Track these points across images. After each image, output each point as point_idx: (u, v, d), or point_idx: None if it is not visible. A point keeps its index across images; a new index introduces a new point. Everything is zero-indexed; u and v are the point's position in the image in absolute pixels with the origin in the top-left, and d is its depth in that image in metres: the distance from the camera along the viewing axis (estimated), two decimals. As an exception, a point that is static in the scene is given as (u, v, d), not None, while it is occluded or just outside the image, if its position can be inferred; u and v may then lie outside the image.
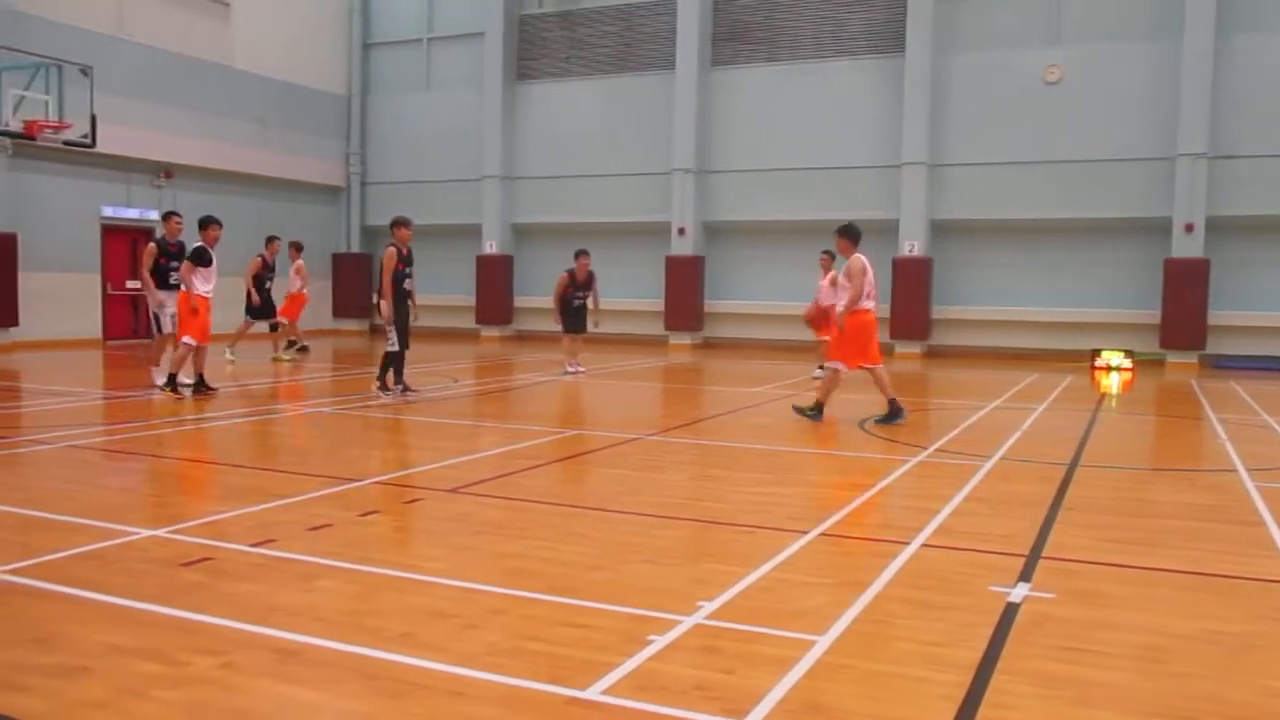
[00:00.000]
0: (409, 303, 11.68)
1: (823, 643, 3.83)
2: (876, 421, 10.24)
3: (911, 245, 20.99)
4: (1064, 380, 15.72)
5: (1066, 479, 7.38)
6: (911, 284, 20.92)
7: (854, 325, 10.12)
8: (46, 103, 16.97)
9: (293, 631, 3.88)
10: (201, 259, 11.33)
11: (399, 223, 11.63)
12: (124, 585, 4.46)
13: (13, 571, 4.63)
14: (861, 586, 4.57)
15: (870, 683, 3.49)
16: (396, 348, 11.54)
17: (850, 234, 10.32)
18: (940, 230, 21.34)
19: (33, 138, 16.89)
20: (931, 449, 8.72)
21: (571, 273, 15.01)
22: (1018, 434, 9.70)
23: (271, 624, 3.96)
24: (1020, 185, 20.41)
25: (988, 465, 7.87)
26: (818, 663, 3.64)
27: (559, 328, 15.27)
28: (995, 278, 21.05)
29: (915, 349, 21.08)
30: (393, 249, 11.53)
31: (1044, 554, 5.22)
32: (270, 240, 16.40)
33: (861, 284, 9.95)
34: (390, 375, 11.62)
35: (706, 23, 22.92)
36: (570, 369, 15.10)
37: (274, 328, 16.74)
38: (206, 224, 11.65)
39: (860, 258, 10.17)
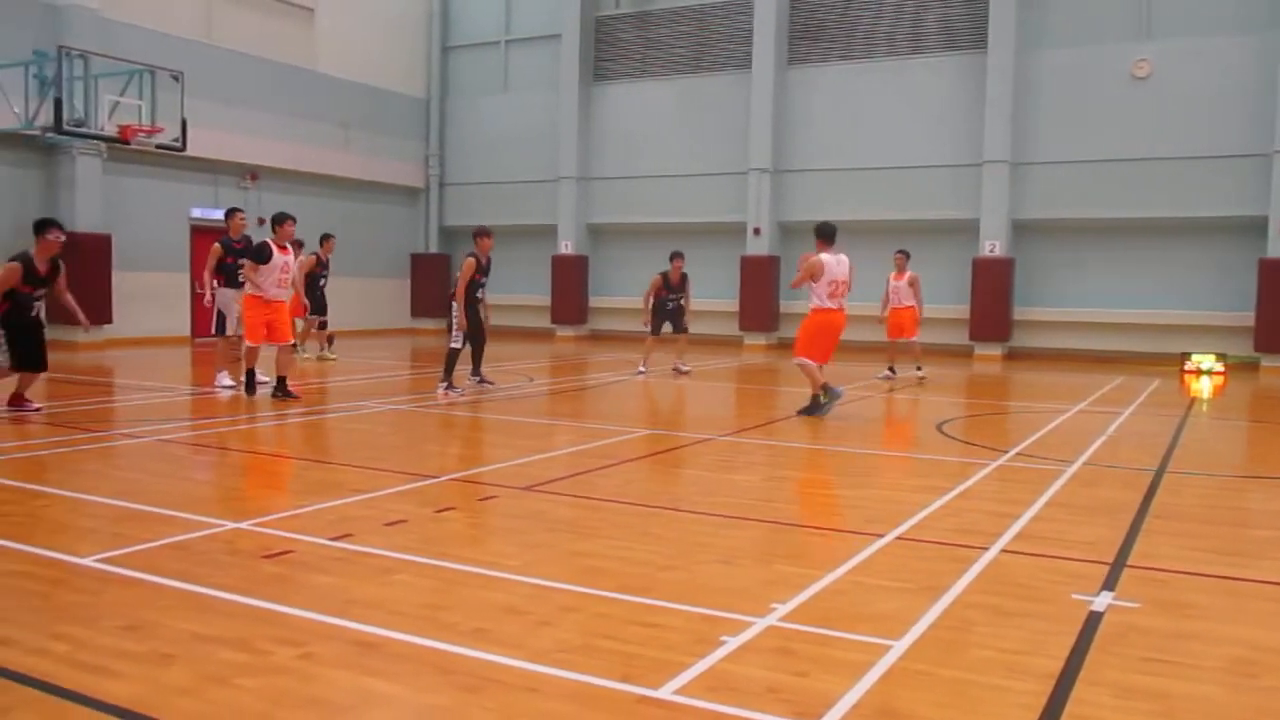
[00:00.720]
0: (479, 308, 12.05)
1: (898, 648, 3.77)
2: (799, 411, 10.50)
3: (992, 245, 20.58)
4: (1151, 384, 15.26)
5: (1154, 485, 7.17)
6: (992, 285, 20.52)
7: (814, 323, 10.31)
8: (139, 108, 17.53)
9: (370, 624, 3.95)
10: (260, 256, 11.00)
11: (481, 233, 11.97)
12: (209, 575, 4.58)
13: (106, 560, 4.79)
14: (938, 592, 4.49)
15: (946, 690, 3.43)
16: (458, 345, 11.84)
17: (821, 233, 10.51)
18: (1022, 230, 20.88)
19: (126, 142, 17.47)
20: (1012, 453, 8.54)
21: (665, 275, 14.94)
22: (1102, 438, 9.45)
23: (350, 616, 4.03)
24: (1107, 183, 19.86)
25: (1071, 470, 7.68)
26: (893, 668, 3.59)
27: (647, 328, 15.15)
28: (1080, 278, 20.52)
29: (996, 350, 20.66)
30: (472, 259, 11.79)
31: (1129, 562, 5.07)
32: (325, 238, 16.50)
33: (811, 274, 10.12)
34: (453, 373, 11.91)
35: (783, 21, 22.76)
36: (679, 368, 15.05)
37: (323, 326, 16.73)
38: (280, 221, 11.50)
39: (823, 257, 10.22)
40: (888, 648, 3.76)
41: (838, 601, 4.37)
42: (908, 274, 15.20)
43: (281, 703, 3.24)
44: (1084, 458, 8.27)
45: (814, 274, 10.22)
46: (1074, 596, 4.47)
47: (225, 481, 7.21)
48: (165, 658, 3.59)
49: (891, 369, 15.25)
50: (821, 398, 10.35)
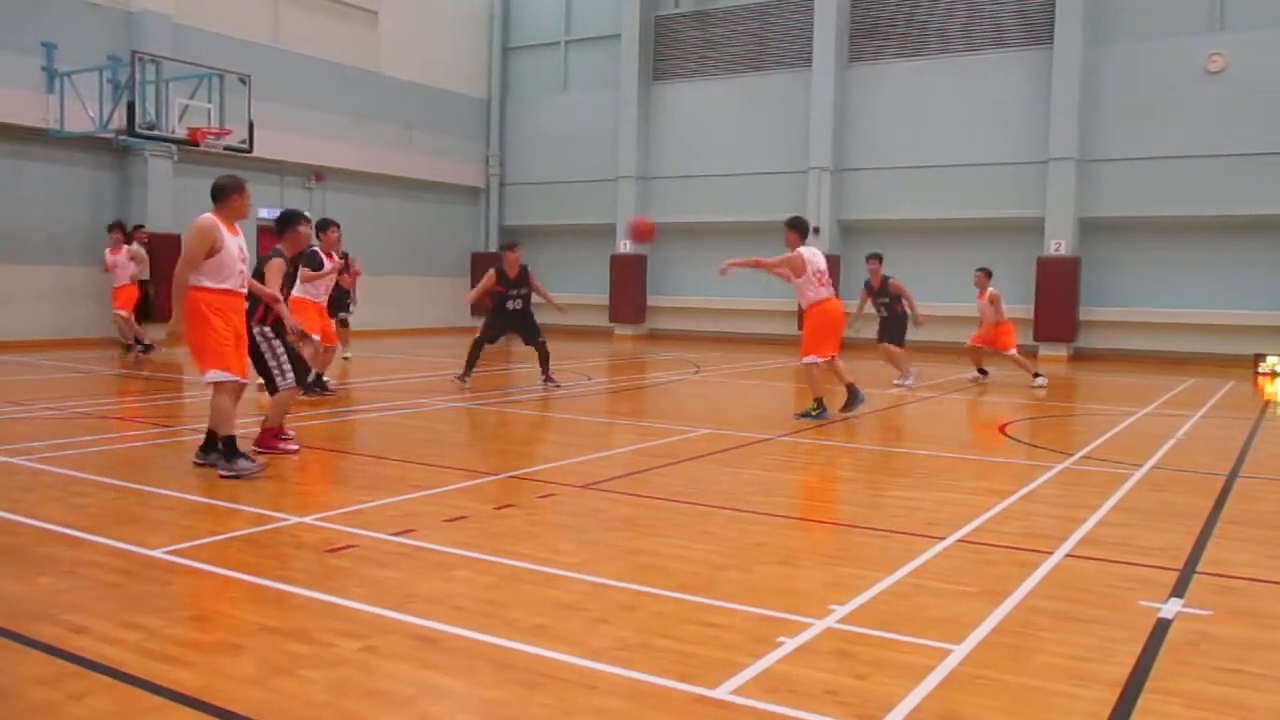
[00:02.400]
0: (516, 315, 12.71)
1: (959, 652, 3.72)
2: (798, 415, 10.43)
3: (1058, 244, 20.19)
4: (1224, 386, 14.86)
5: (1225, 490, 6.98)
6: (1057, 284, 20.12)
7: (817, 315, 10.23)
8: (208, 111, 17.92)
9: (431, 619, 3.99)
10: (314, 264, 10.86)
11: (507, 246, 12.45)
12: (274, 568, 4.67)
13: (175, 552, 4.90)
14: (1002, 596, 4.42)
15: (1009, 696, 3.37)
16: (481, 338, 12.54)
17: (796, 226, 10.40)
18: (1089, 228, 20.45)
19: (196, 144, 17.87)
20: (1078, 455, 8.38)
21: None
22: (1171, 442, 9.22)
23: (410, 611, 4.08)
24: (1177, 180, 19.36)
25: (1138, 474, 7.51)
26: (954, 672, 3.54)
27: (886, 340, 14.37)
28: (1149, 277, 20.03)
29: (1061, 351, 20.26)
30: (493, 271, 12.43)
31: (1200, 569, 4.95)
32: (326, 226, 16.26)
33: (794, 269, 10.08)
34: (470, 367, 12.48)
35: (844, 19, 22.56)
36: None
37: (344, 324, 16.43)
38: (324, 227, 11.30)
39: (801, 251, 10.17)
40: (949, 652, 3.72)
41: (898, 604, 4.32)
42: (989, 292, 14.78)
43: (344, 694, 3.29)
44: (1153, 461, 8.08)
45: (796, 269, 10.17)
46: (1142, 603, 4.37)
47: (290, 476, 7.34)
48: (232, 648, 3.67)
49: (982, 370, 15.05)
50: (815, 409, 10.32)
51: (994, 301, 14.66)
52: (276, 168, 21.36)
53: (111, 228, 16.69)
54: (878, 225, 22.55)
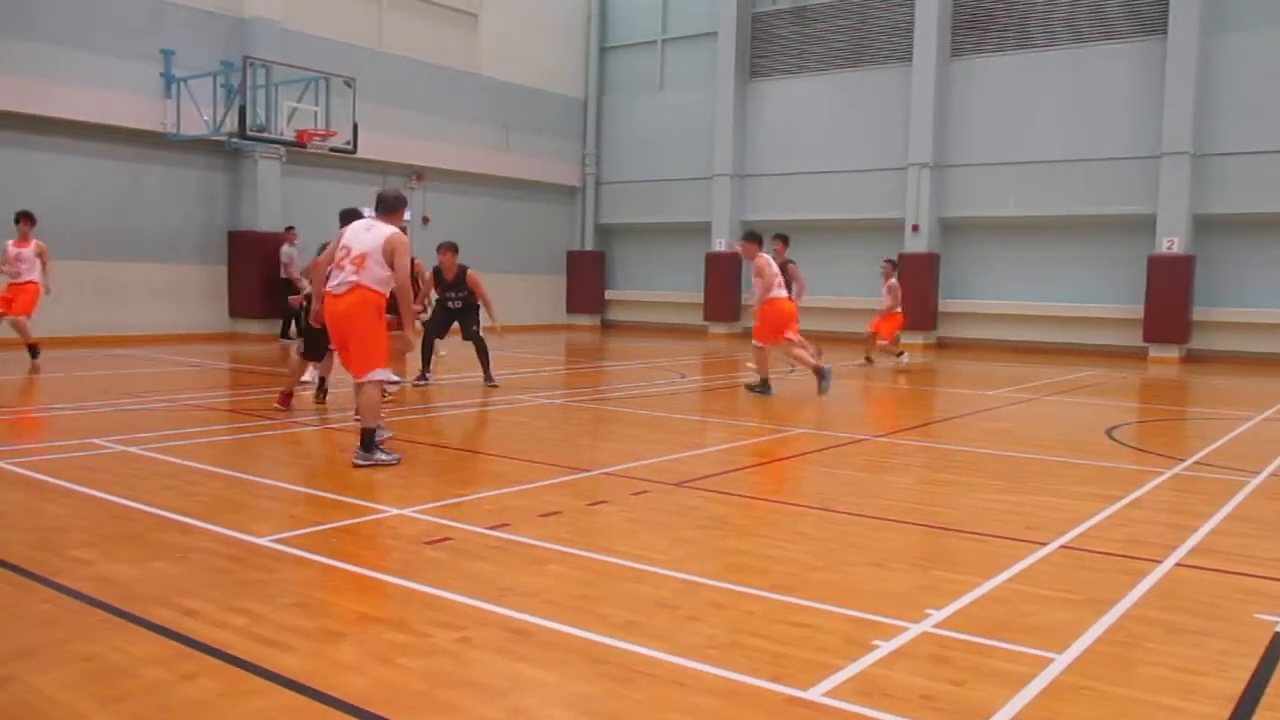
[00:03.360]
0: (449, 308, 12.34)
1: (1061, 661, 3.62)
2: (750, 388, 12.09)
3: (1170, 242, 19.44)
4: (1349, 391, 14.13)
5: (1351, 500, 6.64)
6: (1169, 283, 19.36)
7: (770, 311, 11.81)
8: (315, 113, 18.46)
9: (524, 612, 4.04)
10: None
11: (442, 248, 12.14)
12: (374, 559, 4.79)
13: (280, 540, 5.06)
14: (1106, 605, 4.28)
15: (1113, 708, 3.27)
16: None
17: (753, 238, 12.03)
18: (1204, 225, 19.64)
19: (303, 145, 18.43)
20: (1189, 461, 8.06)
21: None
22: (1292, 448, 8.80)
23: (505, 604, 4.14)
24: (1300, 175, 18.49)
25: (1255, 481, 7.19)
26: (1055, 682, 3.44)
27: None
28: (1268, 276, 19.16)
29: (1173, 353, 19.51)
30: (432, 273, 12.24)
31: (1322, 582, 4.72)
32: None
33: (770, 280, 11.73)
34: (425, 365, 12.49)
35: (946, 13, 22.11)
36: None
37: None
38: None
39: (763, 256, 11.84)
40: (1050, 660, 3.61)
41: (997, 610, 4.22)
42: (891, 282, 16.55)
43: (440, 683, 3.36)
44: (1270, 469, 7.73)
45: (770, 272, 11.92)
46: (1257, 616, 4.19)
47: (390, 469, 7.51)
48: (334, 635, 3.77)
49: (869, 359, 16.83)
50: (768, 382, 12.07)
51: (892, 292, 16.45)
52: (379, 168, 21.88)
53: (19, 218, 13.27)
54: (979, 222, 22.07)
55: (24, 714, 3.08)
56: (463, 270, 12.10)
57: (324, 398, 10.35)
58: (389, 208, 7.46)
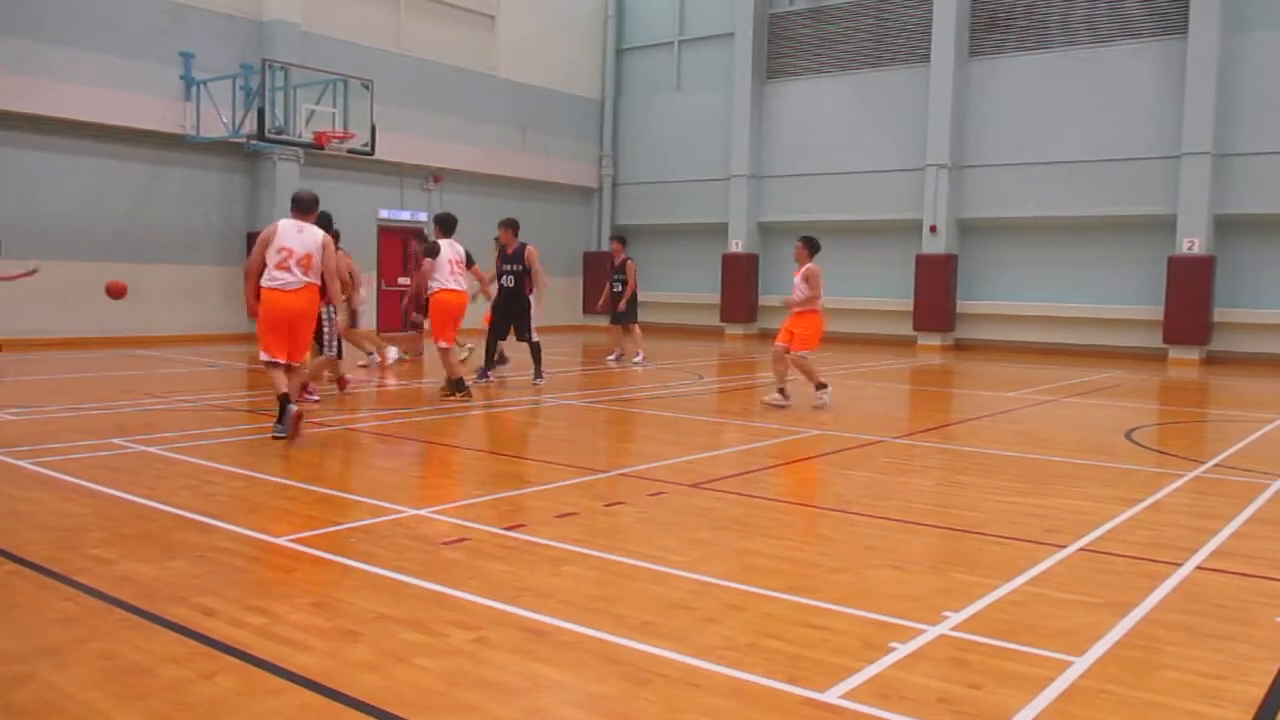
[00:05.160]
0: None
1: (1080, 664, 3.59)
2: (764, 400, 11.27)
3: (1191, 242, 19.29)
4: (1373, 393, 13.98)
5: (1375, 503, 6.57)
6: (1189, 285, 19.22)
7: (816, 321, 11.26)
8: (333, 115, 18.55)
9: (541, 612, 4.05)
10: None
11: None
12: (390, 559, 4.80)
13: (299, 540, 5.08)
14: (1126, 608, 4.25)
15: (1133, 712, 3.24)
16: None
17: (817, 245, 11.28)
18: (1226, 226, 19.49)
19: (321, 147, 18.51)
20: (1210, 464, 8.00)
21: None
22: (1315, 451, 8.72)
23: (521, 604, 4.15)
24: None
25: (1277, 484, 7.12)
26: (1074, 685, 3.42)
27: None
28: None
29: (1193, 355, 19.37)
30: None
31: (1345, 585, 4.67)
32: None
33: (819, 289, 11.08)
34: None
35: (964, 13, 22.02)
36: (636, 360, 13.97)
37: (414, 326, 16.40)
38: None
39: (816, 264, 11.13)
40: (1069, 664, 3.59)
41: (1015, 613, 4.20)
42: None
43: (456, 683, 3.36)
44: (1293, 471, 7.66)
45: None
46: (1279, 619, 4.15)
47: (407, 470, 7.54)
48: (350, 634, 3.78)
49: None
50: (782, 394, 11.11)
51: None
52: (397, 170, 21.97)
53: None
54: (997, 223, 21.97)
55: (45, 711, 3.10)
56: (523, 245, 12.79)
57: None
58: (309, 208, 8.47)
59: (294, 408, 8.07)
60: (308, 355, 8.89)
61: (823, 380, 11.32)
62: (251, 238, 19.60)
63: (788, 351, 11.17)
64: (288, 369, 8.28)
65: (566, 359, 17.40)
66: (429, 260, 11.34)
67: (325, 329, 10.21)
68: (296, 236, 8.20)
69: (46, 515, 5.57)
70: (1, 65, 15.85)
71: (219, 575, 4.53)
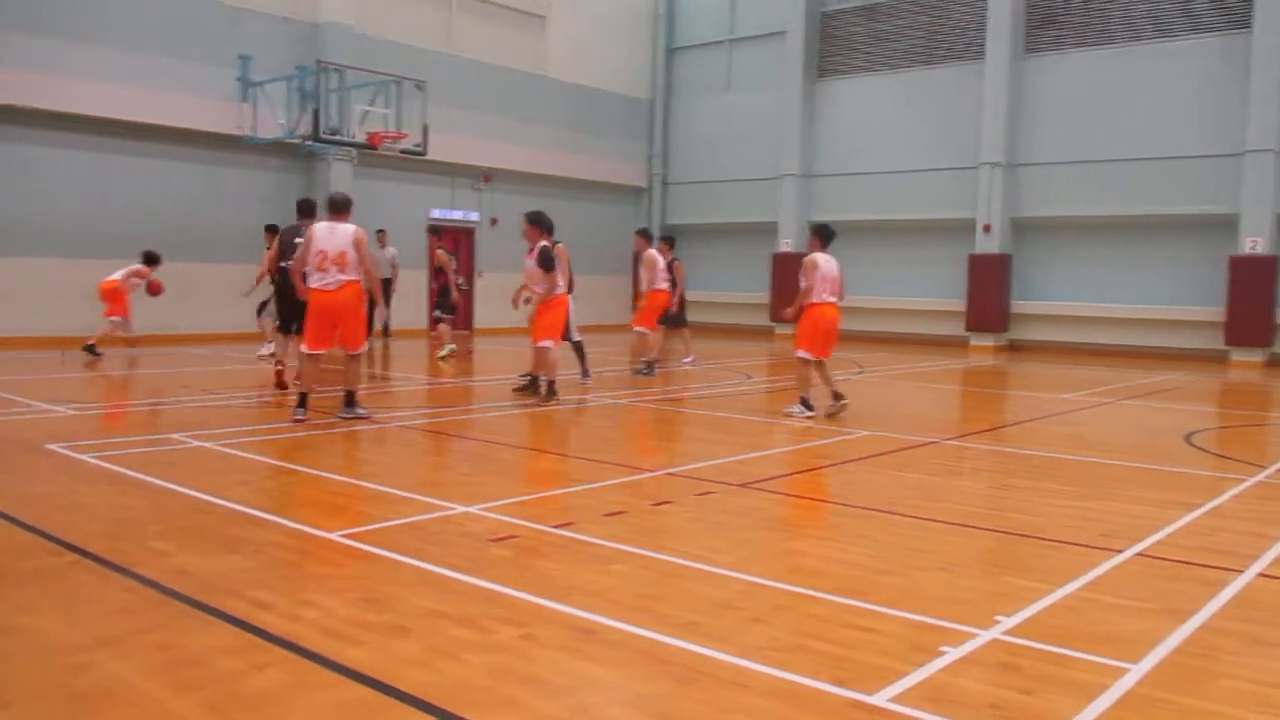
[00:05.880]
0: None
1: (1135, 672, 3.53)
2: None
3: (1254, 242, 18.83)
4: None
5: None
6: (1252, 285, 18.74)
7: (811, 317, 10.12)
8: (386, 116, 18.76)
9: (589, 611, 4.06)
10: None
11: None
12: (440, 555, 4.84)
13: (349, 535, 5.15)
14: (1183, 615, 4.16)
15: (1191, 720, 3.17)
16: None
17: (823, 234, 10.52)
18: (1291, 225, 18.99)
19: (374, 148, 18.74)
20: (1273, 469, 7.80)
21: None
22: (1383, 457, 8.47)
23: (569, 602, 4.16)
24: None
25: (1343, 490, 6.94)
26: (1130, 693, 3.36)
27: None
28: (1358, 278, 18.47)
29: (1256, 357, 18.89)
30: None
31: None
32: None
33: (813, 280, 10.06)
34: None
35: (1020, 9, 21.69)
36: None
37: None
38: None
39: (814, 256, 10.20)
40: (1124, 671, 3.52)
41: (1069, 618, 4.13)
42: (648, 252, 14.23)
43: (504, 679, 3.38)
44: (1360, 477, 7.45)
45: (817, 274, 10.18)
46: (1345, 629, 4.04)
47: (458, 467, 7.60)
48: (400, 629, 3.82)
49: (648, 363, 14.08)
50: (807, 403, 10.14)
51: (649, 266, 14.06)
52: (448, 169, 22.15)
53: None
54: (1053, 222, 21.62)
55: (104, 699, 3.17)
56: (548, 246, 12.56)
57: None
58: (340, 209, 9.03)
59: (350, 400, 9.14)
60: (364, 344, 9.40)
61: (807, 396, 10.15)
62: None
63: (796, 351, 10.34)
64: (351, 358, 9.21)
65: (615, 358, 17.43)
66: (535, 269, 11.01)
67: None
68: (330, 238, 8.81)
69: (107, 508, 5.70)
70: (67, 71, 16.24)
71: (272, 569, 4.60)
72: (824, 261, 10.19)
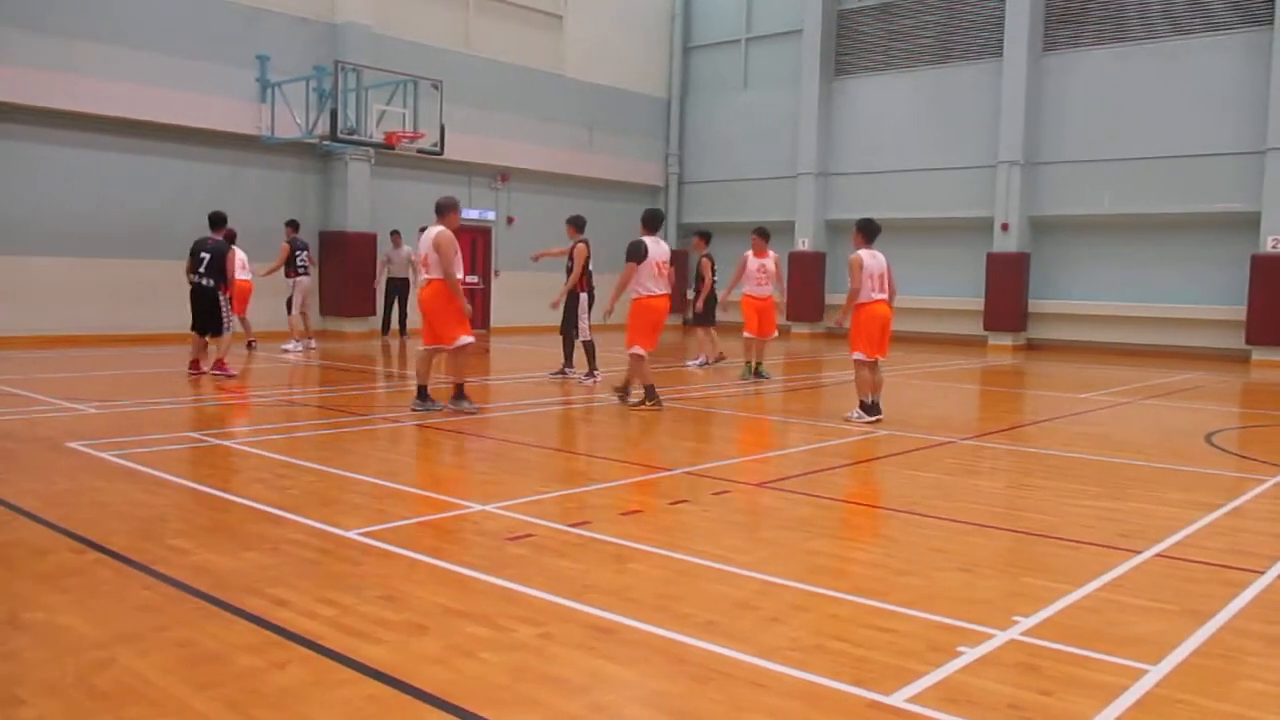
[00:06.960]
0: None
1: (1155, 673, 3.50)
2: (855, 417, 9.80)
3: (1276, 240, 18.64)
4: None
5: None
6: (1273, 283, 18.51)
7: (861, 318, 9.77)
8: (403, 115, 18.82)
9: (606, 609, 4.06)
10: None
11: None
12: (457, 553, 4.86)
13: (368, 534, 5.17)
14: (1204, 616, 4.13)
15: (1213, 722, 3.15)
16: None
17: (867, 230, 10.04)
18: (1313, 223, 18.80)
19: (392, 147, 18.80)
20: (1295, 469, 7.74)
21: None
22: (1407, 457, 8.39)
23: (586, 601, 4.17)
24: None
25: (1367, 491, 6.87)
26: (1149, 694, 3.33)
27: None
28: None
29: (1278, 356, 18.72)
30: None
31: None
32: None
33: (859, 280, 9.69)
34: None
35: (1038, 6, 21.57)
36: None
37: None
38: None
39: (859, 254, 9.77)
40: (1144, 672, 3.50)
41: (1088, 619, 4.10)
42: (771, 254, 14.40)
43: (521, 678, 3.39)
44: (1384, 478, 7.38)
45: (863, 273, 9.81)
46: (1369, 631, 4.00)
47: (474, 465, 7.62)
48: (418, 628, 3.84)
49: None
50: (866, 406, 9.76)
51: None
52: (465, 169, 22.20)
53: None
54: (1071, 221, 21.49)
55: (124, 695, 3.20)
56: (574, 244, 13.45)
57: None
58: (440, 212, 9.64)
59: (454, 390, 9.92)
60: (459, 338, 9.65)
61: (865, 399, 9.84)
62: (325, 237, 20.01)
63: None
64: (450, 353, 9.75)
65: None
66: (631, 264, 10.32)
67: (223, 311, 12.22)
68: (424, 241, 9.54)
69: (128, 506, 5.74)
70: (84, 71, 16.35)
71: (291, 567, 4.63)
72: (869, 258, 9.82)
